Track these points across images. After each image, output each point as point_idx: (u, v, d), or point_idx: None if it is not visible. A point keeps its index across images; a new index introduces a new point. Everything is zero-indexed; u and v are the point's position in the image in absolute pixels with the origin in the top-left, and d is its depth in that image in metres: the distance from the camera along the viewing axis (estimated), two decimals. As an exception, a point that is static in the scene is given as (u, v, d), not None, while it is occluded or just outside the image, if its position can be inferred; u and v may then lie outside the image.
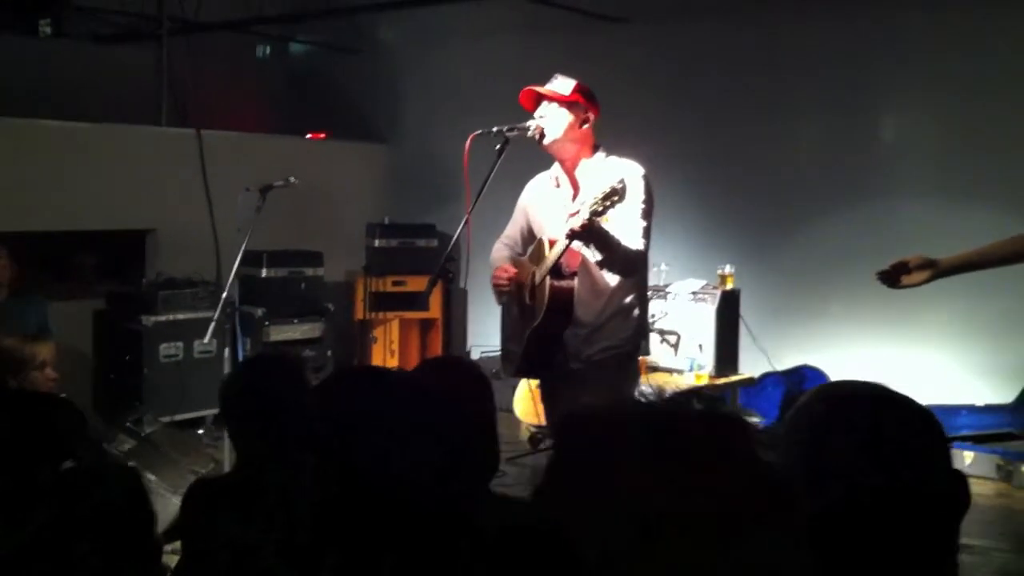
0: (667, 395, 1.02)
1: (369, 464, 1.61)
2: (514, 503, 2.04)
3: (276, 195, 5.32)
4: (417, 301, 7.14)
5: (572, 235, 3.46)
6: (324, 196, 7.93)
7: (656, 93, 7.38)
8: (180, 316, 6.86)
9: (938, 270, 3.20)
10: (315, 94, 9.39)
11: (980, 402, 6.25)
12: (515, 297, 3.91)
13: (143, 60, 8.11)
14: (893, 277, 3.23)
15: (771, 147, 7.10)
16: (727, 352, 6.20)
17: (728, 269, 6.32)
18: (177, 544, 2.43)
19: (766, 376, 6.68)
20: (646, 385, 5.40)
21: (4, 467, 2.28)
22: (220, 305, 5.22)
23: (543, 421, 4.17)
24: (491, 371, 5.29)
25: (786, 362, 6.71)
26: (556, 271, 3.63)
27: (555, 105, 3.75)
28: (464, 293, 8.05)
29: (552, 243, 3.66)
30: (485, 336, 7.51)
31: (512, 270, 3.91)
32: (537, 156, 3.90)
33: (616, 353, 3.75)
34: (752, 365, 6.56)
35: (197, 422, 6.73)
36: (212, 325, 5.30)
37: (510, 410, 6.23)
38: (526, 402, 5.98)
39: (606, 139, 3.88)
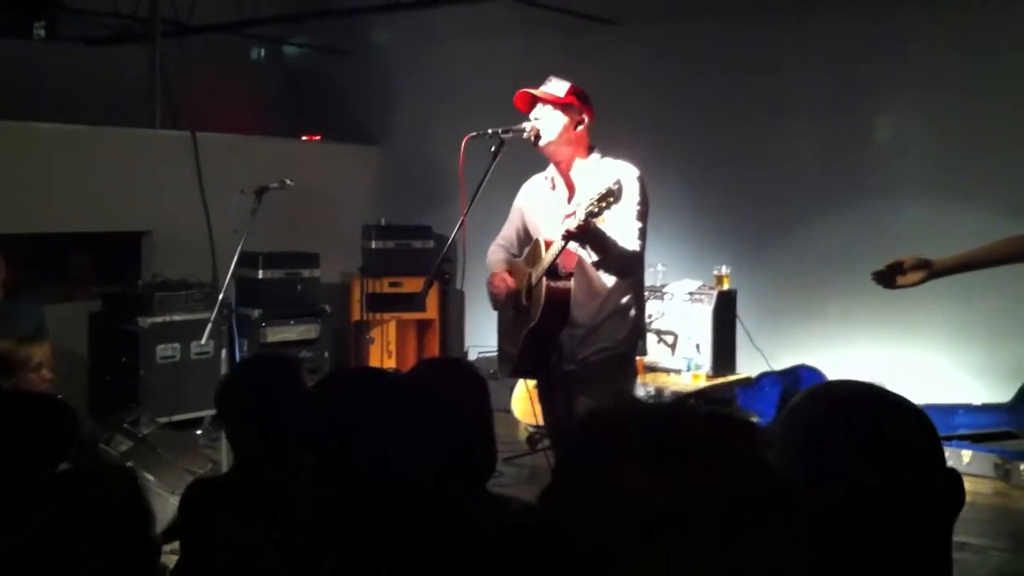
0: (671, 398, 1.02)
1: (368, 464, 1.61)
2: (512, 503, 2.05)
3: (272, 197, 5.33)
4: (413, 302, 7.12)
5: (568, 236, 3.46)
6: (320, 198, 7.93)
7: (655, 93, 7.38)
8: (176, 317, 6.86)
9: (933, 270, 3.20)
10: (310, 96, 9.39)
11: (977, 402, 6.26)
12: (511, 298, 3.91)
13: (137, 62, 8.09)
14: (888, 277, 3.23)
15: (769, 147, 7.11)
16: (724, 352, 6.20)
17: (724, 270, 6.33)
18: (176, 544, 2.43)
19: (763, 376, 6.68)
20: (646, 385, 5.41)
21: (2, 468, 2.29)
22: (216, 306, 5.21)
23: (541, 421, 4.17)
24: (488, 371, 5.31)
25: (783, 362, 6.70)
26: (552, 272, 3.63)
27: (550, 107, 3.75)
28: (460, 294, 8.05)
29: (548, 244, 3.66)
30: (482, 337, 7.52)
31: (511, 282, 3.89)
32: (532, 158, 3.90)
33: (612, 354, 3.75)
34: (749, 365, 6.55)
35: (194, 423, 6.74)
36: (209, 326, 5.30)
37: (508, 410, 6.22)
38: (524, 402, 5.97)
39: (603, 140, 3.88)
